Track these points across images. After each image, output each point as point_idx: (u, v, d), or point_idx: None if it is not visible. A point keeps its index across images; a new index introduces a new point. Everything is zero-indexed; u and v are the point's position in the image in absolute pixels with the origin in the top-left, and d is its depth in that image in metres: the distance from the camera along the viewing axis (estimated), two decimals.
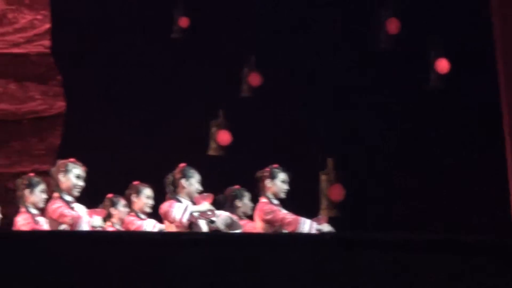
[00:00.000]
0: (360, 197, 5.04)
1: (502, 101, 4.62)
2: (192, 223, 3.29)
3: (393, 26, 4.82)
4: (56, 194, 3.10)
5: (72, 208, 3.05)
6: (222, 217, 3.34)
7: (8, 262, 2.13)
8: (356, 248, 2.47)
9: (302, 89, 5.34)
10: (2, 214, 3.52)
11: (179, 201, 3.28)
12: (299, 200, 3.82)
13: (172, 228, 3.32)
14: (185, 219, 3.21)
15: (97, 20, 5.09)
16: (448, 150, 5.21)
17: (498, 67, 4.64)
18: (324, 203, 4.55)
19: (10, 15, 5.00)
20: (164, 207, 3.28)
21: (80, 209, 3.10)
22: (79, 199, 3.15)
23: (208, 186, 3.52)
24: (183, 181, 3.36)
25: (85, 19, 5.05)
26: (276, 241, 2.80)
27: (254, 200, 3.70)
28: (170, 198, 3.31)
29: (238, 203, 3.79)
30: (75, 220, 2.93)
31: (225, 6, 5.07)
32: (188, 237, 2.95)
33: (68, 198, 3.08)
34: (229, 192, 3.85)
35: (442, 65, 4.93)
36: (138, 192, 3.63)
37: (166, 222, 3.38)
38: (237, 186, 3.88)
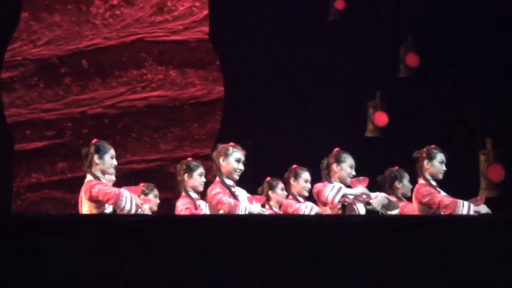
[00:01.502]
0: None
1: None
2: (345, 206, 3.41)
3: None
4: (217, 179, 3.14)
5: (232, 193, 3.07)
6: (378, 198, 3.43)
7: (170, 245, 2.18)
8: None
9: (460, 70, 5.20)
10: (167, 199, 3.61)
11: None
12: (457, 182, 3.83)
13: (327, 211, 3.41)
14: (337, 200, 3.29)
15: (254, 4, 5.12)
16: None
17: None
18: (483, 184, 4.50)
19: (169, 3, 5.18)
20: (318, 186, 3.42)
21: (240, 193, 3.11)
22: (239, 183, 3.15)
23: (366, 168, 3.62)
24: (334, 166, 3.47)
25: (242, 3, 5.10)
26: (434, 223, 2.75)
27: (413, 181, 3.67)
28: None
29: (397, 184, 3.80)
30: (232, 208, 2.95)
31: None
32: (347, 219, 2.94)
33: (228, 182, 3.10)
34: (389, 173, 3.86)
35: None
36: (296, 176, 3.64)
37: (320, 205, 3.45)
38: (396, 168, 3.89)
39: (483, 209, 3.48)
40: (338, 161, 3.48)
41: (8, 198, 4.50)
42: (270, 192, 3.65)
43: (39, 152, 4.81)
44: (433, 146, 3.57)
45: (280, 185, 3.67)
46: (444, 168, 3.54)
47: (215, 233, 2.30)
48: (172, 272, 2.16)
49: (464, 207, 3.41)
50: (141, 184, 3.49)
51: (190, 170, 3.32)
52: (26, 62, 4.90)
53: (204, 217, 3.03)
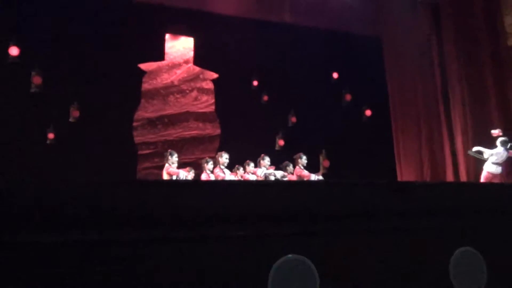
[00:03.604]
0: None
1: None
2: (266, 176, 8.20)
3: None
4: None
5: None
6: (278, 173, 8.22)
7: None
8: None
9: None
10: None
11: None
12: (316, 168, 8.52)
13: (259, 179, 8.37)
14: (261, 174, 8.18)
15: None
16: None
17: None
18: (321, 167, 9.40)
19: None
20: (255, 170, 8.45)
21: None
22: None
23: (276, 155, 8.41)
24: (261, 161, 8.44)
25: None
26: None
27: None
28: None
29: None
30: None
31: None
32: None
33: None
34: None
35: None
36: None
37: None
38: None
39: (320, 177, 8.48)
40: (262, 159, 8.55)
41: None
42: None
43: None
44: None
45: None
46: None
47: None
48: None
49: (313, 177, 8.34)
50: (187, 168, 8.95)
51: None
52: None
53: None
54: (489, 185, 7.92)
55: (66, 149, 9.19)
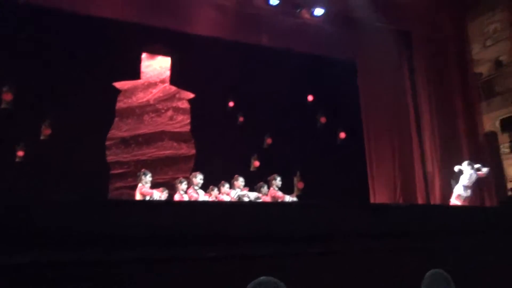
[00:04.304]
0: None
1: None
2: (240, 198, 8.16)
3: None
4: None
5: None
6: (252, 194, 8.18)
7: None
8: None
9: None
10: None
11: None
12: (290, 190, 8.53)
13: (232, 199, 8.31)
14: (234, 196, 8.14)
15: None
16: None
17: None
18: (295, 189, 9.51)
19: None
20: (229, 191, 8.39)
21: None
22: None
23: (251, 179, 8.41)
24: (235, 182, 8.40)
25: None
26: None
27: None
28: None
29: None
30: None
31: None
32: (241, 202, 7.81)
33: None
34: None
35: None
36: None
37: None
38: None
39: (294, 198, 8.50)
40: (236, 180, 8.53)
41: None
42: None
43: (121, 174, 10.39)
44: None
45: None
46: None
47: None
48: None
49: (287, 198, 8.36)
50: (161, 188, 8.83)
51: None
52: None
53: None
54: (459, 208, 8.08)
55: (36, 168, 8.92)
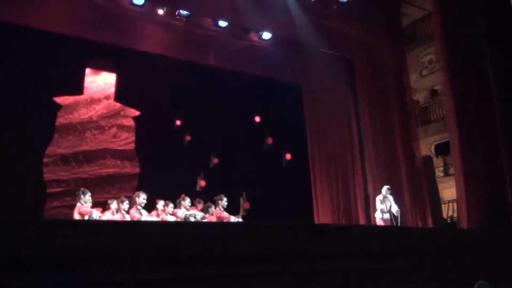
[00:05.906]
0: None
1: None
2: (186, 218, 7.99)
3: None
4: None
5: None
6: (199, 214, 8.06)
7: None
8: None
9: None
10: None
11: None
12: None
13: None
14: (181, 216, 7.97)
15: None
16: None
17: None
18: (242, 209, 9.40)
19: None
20: (174, 211, 8.22)
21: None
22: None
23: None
24: (182, 202, 8.24)
25: None
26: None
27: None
28: None
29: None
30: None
31: None
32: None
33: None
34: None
35: None
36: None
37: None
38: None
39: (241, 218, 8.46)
40: (183, 199, 8.38)
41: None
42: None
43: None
44: None
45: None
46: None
47: None
48: None
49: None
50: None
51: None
52: None
53: None
54: (394, 228, 8.42)
55: None
